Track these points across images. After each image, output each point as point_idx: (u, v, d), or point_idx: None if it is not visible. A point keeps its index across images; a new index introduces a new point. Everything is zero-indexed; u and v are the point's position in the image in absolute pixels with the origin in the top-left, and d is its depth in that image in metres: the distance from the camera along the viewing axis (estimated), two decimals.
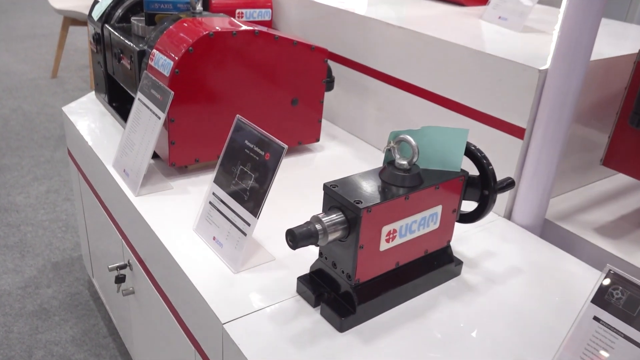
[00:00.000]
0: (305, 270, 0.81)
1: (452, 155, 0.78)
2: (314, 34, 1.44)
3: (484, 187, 0.81)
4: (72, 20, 3.36)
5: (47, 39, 4.42)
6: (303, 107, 1.18)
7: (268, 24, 1.56)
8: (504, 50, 1.04)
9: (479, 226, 1.00)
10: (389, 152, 0.76)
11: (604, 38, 1.18)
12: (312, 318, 0.75)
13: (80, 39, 4.40)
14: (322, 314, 0.76)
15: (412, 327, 0.75)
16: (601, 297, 0.57)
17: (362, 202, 0.68)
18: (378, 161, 1.23)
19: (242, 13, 1.51)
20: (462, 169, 0.79)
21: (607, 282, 0.57)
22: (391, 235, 0.73)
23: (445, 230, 0.81)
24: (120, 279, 1.17)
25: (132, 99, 1.10)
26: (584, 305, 0.58)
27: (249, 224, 0.83)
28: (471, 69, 1.05)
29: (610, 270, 0.57)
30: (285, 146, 0.79)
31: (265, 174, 0.82)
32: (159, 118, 0.99)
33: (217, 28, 1.03)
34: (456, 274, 0.86)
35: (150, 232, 0.94)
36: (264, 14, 1.54)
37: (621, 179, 1.23)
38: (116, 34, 1.23)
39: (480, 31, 1.23)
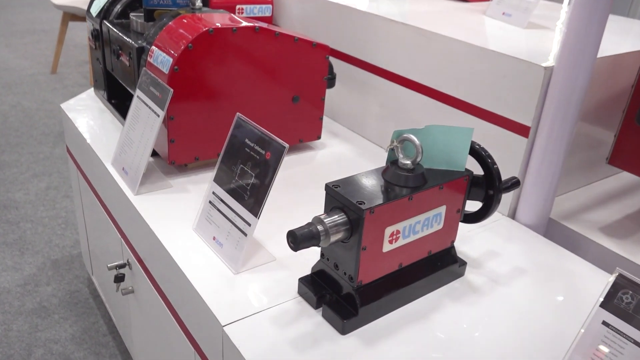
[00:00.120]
0: (307, 271, 0.80)
1: (457, 155, 0.76)
2: (315, 31, 1.43)
3: (489, 187, 0.80)
4: (71, 15, 3.35)
5: (47, 34, 4.41)
6: (304, 104, 1.17)
7: (269, 20, 1.54)
8: (508, 47, 1.02)
9: (483, 226, 0.99)
10: (392, 151, 0.74)
11: (609, 35, 1.17)
12: (314, 320, 0.74)
13: (80, 34, 4.39)
14: (323, 316, 0.75)
15: (415, 329, 0.74)
16: (610, 302, 0.55)
17: (364, 203, 0.67)
18: (380, 159, 1.22)
19: (242, 9, 1.49)
20: (466, 169, 0.78)
21: (616, 286, 0.56)
22: (394, 236, 0.72)
23: (449, 230, 0.80)
24: (119, 278, 1.16)
25: (131, 96, 1.09)
26: (592, 310, 0.56)
27: (249, 224, 0.81)
28: (475, 66, 1.03)
29: (619, 273, 0.55)
30: (287, 145, 0.78)
31: (266, 173, 0.80)
32: (158, 116, 0.98)
33: (217, 24, 1.02)
34: (460, 274, 0.85)
35: (149, 231, 0.93)
36: (264, 10, 1.53)
37: (627, 178, 1.21)
38: (115, 30, 1.22)
39: (484, 27, 1.21)
